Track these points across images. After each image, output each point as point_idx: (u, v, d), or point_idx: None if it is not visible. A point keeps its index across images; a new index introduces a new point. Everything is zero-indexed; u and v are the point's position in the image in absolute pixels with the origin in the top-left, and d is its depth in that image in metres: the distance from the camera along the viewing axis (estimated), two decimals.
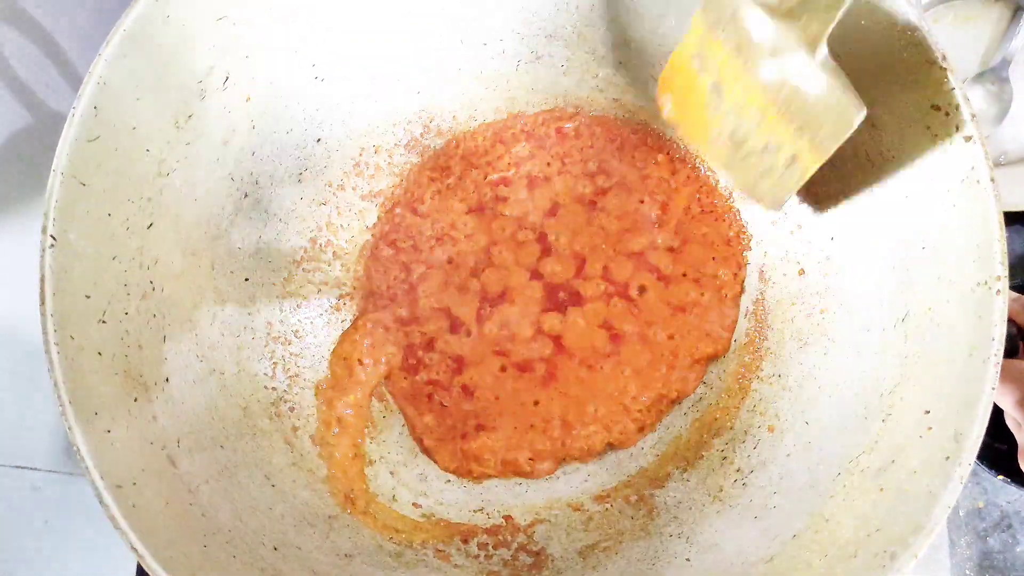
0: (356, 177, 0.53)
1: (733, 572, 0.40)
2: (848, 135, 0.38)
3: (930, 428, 0.35)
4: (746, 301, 0.51)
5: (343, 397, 0.51)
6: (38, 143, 0.51)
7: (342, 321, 0.53)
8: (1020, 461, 0.39)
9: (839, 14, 0.36)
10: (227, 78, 0.43)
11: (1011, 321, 0.35)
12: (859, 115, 0.37)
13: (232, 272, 0.47)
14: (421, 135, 0.53)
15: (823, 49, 0.36)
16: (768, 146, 0.41)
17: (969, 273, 0.36)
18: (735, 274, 0.51)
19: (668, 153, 0.53)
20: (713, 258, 0.51)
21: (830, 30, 0.36)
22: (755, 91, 0.39)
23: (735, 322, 0.51)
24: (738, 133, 0.42)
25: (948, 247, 0.37)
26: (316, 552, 0.42)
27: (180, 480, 0.38)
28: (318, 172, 0.51)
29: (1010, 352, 0.39)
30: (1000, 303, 0.34)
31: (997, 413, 0.36)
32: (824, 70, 0.37)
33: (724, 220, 0.52)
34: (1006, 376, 0.34)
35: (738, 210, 0.51)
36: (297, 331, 0.51)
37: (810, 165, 0.40)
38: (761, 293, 0.50)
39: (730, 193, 0.52)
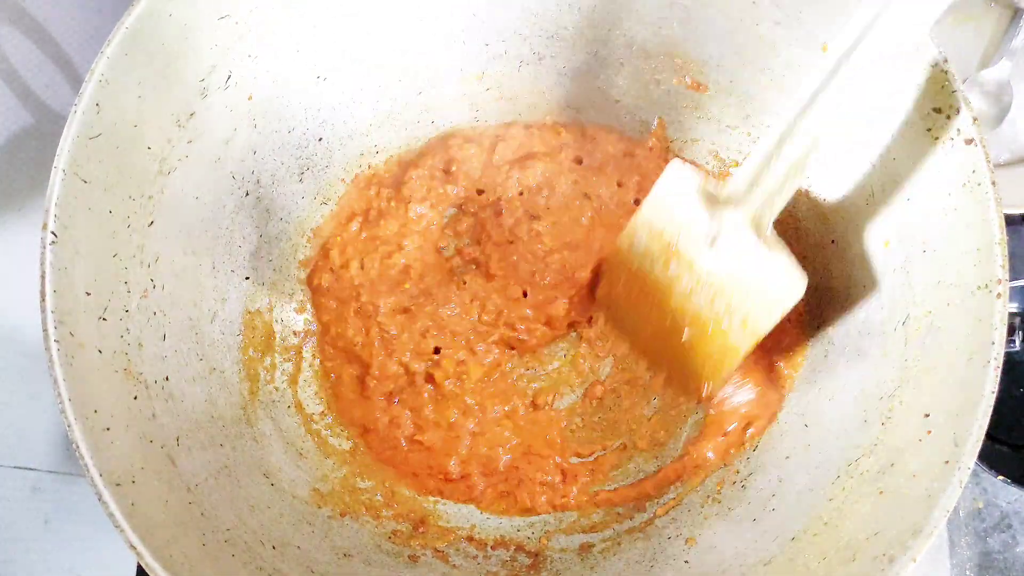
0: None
1: (731, 574, 0.40)
2: (791, 307, 0.40)
3: (930, 431, 0.35)
4: None
5: None
6: (39, 142, 0.51)
7: None
8: None
9: (785, 204, 0.39)
10: (229, 77, 0.43)
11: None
12: (804, 285, 0.39)
13: (232, 271, 0.47)
14: (421, 137, 0.53)
15: (770, 228, 0.39)
16: (705, 332, 0.43)
17: (969, 276, 0.36)
18: None
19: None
20: None
21: (776, 215, 0.39)
22: (698, 278, 0.41)
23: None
24: (675, 323, 0.43)
25: (949, 250, 0.37)
26: (315, 551, 0.42)
27: (179, 478, 0.38)
28: (319, 171, 0.51)
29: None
30: (1000, 307, 0.34)
31: (998, 414, 0.36)
32: (773, 246, 0.39)
33: None
34: None
35: None
36: (296, 331, 0.51)
37: (745, 346, 0.42)
38: None
39: None
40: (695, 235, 0.41)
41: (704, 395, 0.45)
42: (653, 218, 0.43)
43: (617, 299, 0.47)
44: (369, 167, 0.53)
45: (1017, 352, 0.47)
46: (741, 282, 0.40)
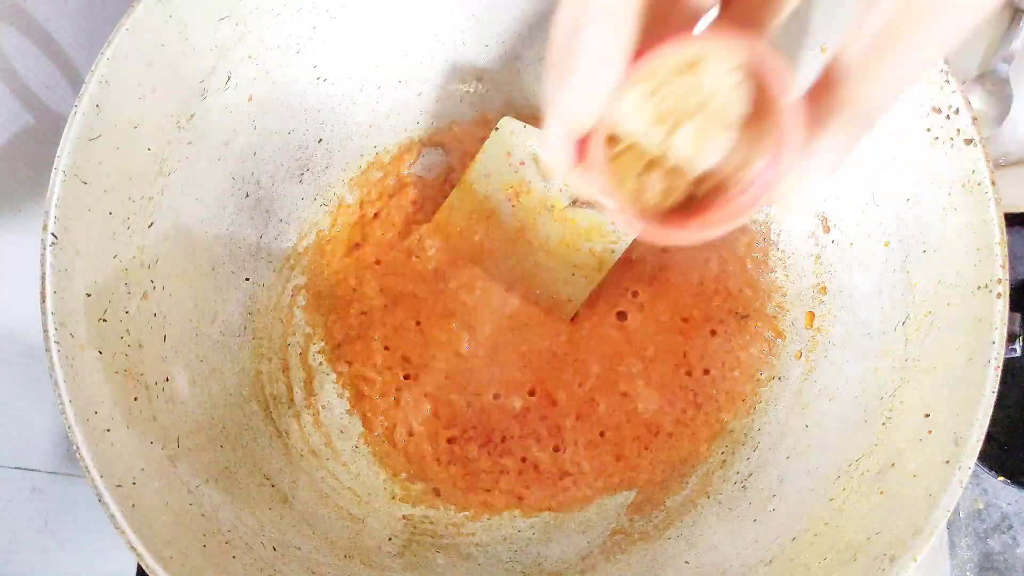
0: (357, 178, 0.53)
1: (732, 574, 0.40)
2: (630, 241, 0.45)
3: (930, 431, 0.35)
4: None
5: None
6: (39, 143, 0.51)
7: None
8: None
9: None
10: (229, 78, 0.43)
11: None
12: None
13: (233, 272, 0.47)
14: (421, 137, 0.53)
15: None
16: (559, 262, 0.48)
17: (969, 276, 0.36)
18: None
19: None
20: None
21: None
22: (546, 210, 0.46)
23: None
24: (530, 252, 0.48)
25: (949, 250, 0.37)
26: (315, 552, 0.42)
27: (180, 480, 0.38)
28: (319, 173, 0.51)
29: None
30: (1000, 306, 0.34)
31: (998, 414, 0.36)
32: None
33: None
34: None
35: None
36: (296, 332, 0.51)
37: (595, 276, 0.47)
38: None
39: None
40: (539, 185, 0.46)
41: (570, 317, 0.49)
42: (491, 170, 0.47)
43: (461, 226, 0.50)
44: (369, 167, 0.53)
45: (1018, 356, 0.47)
46: (586, 221, 0.46)
